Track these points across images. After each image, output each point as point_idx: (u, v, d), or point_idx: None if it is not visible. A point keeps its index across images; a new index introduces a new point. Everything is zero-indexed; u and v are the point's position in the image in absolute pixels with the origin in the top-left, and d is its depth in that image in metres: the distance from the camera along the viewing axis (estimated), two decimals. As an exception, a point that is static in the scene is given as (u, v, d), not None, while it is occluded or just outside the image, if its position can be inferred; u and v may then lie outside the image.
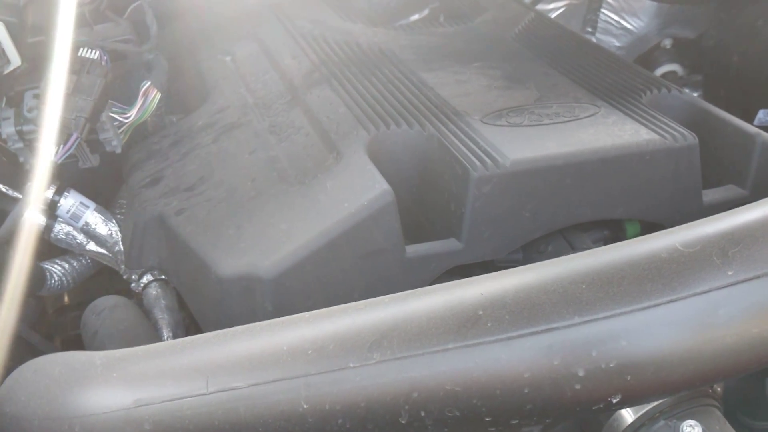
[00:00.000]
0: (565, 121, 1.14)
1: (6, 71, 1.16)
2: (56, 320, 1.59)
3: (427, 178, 1.12)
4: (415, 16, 1.99)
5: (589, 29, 2.24)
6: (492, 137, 1.07)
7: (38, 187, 1.18)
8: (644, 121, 1.15)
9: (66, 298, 1.62)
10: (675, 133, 1.12)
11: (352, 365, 0.67)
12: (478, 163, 1.02)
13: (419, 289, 0.73)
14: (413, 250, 1.03)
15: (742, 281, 0.63)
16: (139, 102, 1.23)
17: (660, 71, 2.15)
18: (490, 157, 1.03)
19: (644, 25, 2.23)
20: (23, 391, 0.78)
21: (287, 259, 0.96)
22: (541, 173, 1.04)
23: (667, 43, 2.18)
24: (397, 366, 0.66)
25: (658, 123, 1.15)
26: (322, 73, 1.33)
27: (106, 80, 1.17)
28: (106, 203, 1.43)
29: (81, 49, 1.19)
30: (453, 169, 1.04)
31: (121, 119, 1.23)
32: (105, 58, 1.20)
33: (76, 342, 1.60)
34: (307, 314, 0.75)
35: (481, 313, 0.66)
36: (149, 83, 1.24)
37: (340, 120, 1.17)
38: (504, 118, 1.14)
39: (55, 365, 0.79)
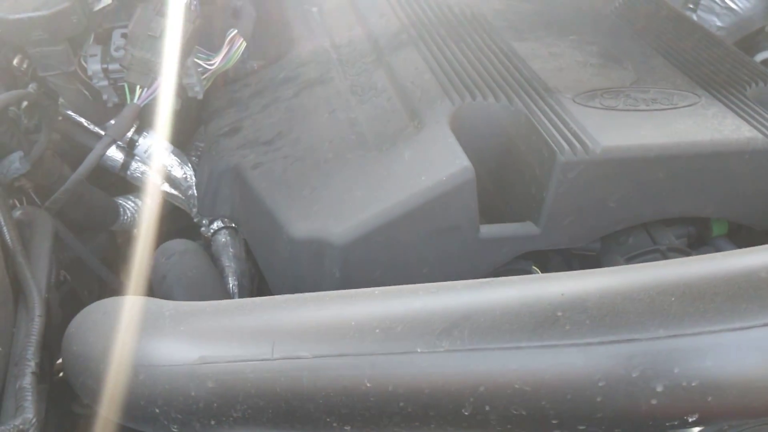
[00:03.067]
0: (662, 109, 1.08)
1: (97, 8, 1.16)
2: (126, 252, 1.63)
3: (509, 157, 1.08)
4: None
5: (691, 5, 2.11)
6: (583, 119, 1.02)
7: (119, 126, 1.18)
8: (746, 117, 1.08)
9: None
10: (780, 132, 1.05)
11: (419, 350, 0.66)
12: (566, 146, 0.97)
13: (495, 279, 0.71)
14: (487, 230, 1.00)
15: None
16: (225, 50, 1.22)
17: (761, 57, 2.02)
18: (580, 142, 0.98)
19: (751, 6, 2.09)
20: (91, 332, 0.79)
21: (359, 227, 0.95)
22: (632, 164, 0.99)
23: (774, 28, 2.05)
24: (466, 358, 0.64)
25: (762, 120, 1.08)
26: (409, 34, 1.29)
27: (194, 25, 1.15)
28: (182, 145, 1.44)
29: (171, -9, 1.18)
30: (538, 150, 1.00)
31: (205, 65, 1.22)
32: (195, 2, 1.19)
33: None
34: (377, 290, 0.74)
35: (559, 314, 0.64)
36: (236, 31, 1.22)
37: (425, 86, 1.13)
38: (598, 99, 1.08)
39: (124, 310, 0.80)
